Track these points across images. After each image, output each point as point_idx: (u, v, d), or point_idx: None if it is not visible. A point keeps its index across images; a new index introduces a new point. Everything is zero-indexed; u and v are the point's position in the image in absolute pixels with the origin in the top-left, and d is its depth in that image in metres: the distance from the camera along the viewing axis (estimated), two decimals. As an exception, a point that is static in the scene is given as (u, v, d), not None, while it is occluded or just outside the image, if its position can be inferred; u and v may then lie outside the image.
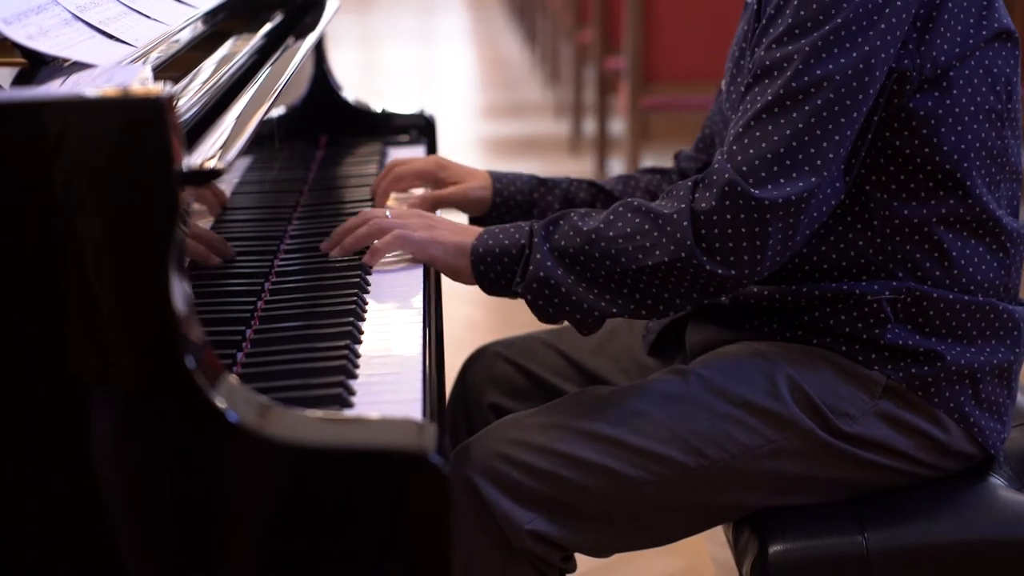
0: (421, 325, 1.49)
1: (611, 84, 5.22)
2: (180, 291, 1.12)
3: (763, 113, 1.49)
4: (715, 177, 1.49)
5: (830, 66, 1.47)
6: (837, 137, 1.48)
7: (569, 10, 6.18)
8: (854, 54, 1.47)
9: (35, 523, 1.15)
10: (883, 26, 1.48)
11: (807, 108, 1.47)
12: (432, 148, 2.31)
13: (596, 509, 1.56)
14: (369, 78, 8.20)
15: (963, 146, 1.55)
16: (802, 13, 1.48)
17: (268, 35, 1.89)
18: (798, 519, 1.57)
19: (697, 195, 1.50)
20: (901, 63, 1.51)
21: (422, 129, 2.35)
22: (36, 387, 1.13)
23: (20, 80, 1.30)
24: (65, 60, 1.35)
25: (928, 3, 1.51)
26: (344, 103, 2.34)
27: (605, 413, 1.57)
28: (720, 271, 1.48)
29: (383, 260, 1.64)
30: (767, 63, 1.51)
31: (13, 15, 1.34)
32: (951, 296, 1.57)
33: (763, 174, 1.47)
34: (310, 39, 1.98)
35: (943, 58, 1.52)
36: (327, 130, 2.31)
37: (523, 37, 9.38)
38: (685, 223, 1.48)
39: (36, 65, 1.34)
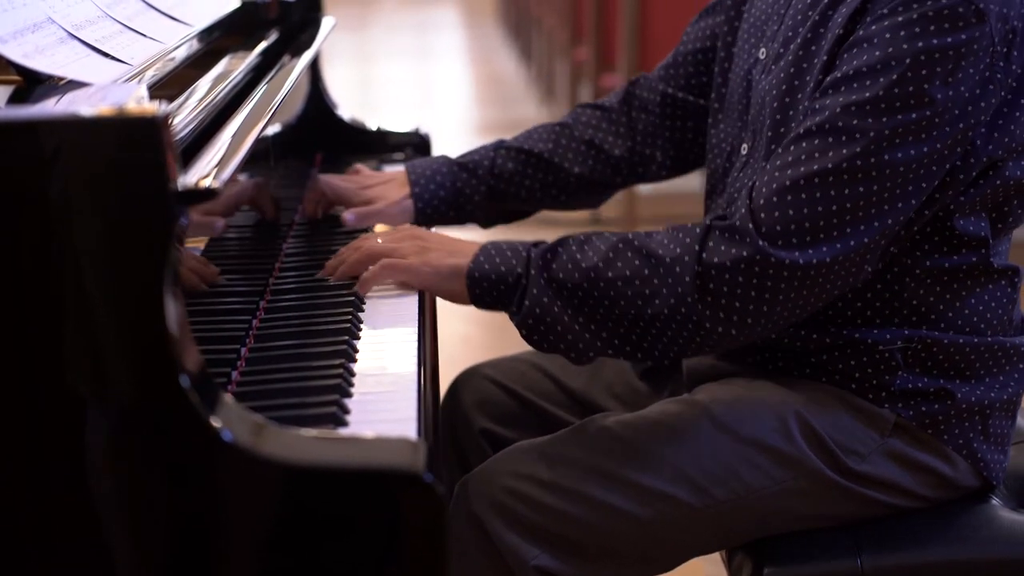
0: (416, 343, 1.49)
1: (607, 102, 5.21)
2: (175, 310, 1.12)
3: (815, 178, 1.42)
4: (737, 236, 1.43)
5: (909, 153, 1.41)
6: (889, 220, 1.43)
7: (565, 28, 6.19)
8: (932, 146, 1.41)
9: (29, 540, 1.15)
10: (957, 131, 1.42)
11: (863, 189, 1.41)
12: (427, 166, 2.30)
13: (601, 545, 1.54)
14: (365, 96, 8.20)
15: (987, 213, 1.52)
16: (895, 91, 1.40)
17: (264, 53, 1.89)
18: (793, 541, 1.57)
19: (711, 245, 1.44)
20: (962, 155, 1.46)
21: (418, 147, 2.35)
22: (31, 405, 1.12)
23: (16, 99, 1.30)
24: (61, 79, 1.35)
25: (1002, 103, 1.45)
26: (340, 121, 2.34)
27: (612, 448, 1.55)
28: (720, 328, 1.45)
29: (379, 288, 1.61)
30: (838, 124, 1.42)
31: (9, 33, 1.34)
32: (961, 339, 1.54)
33: (794, 240, 1.41)
34: (306, 57, 1.98)
35: (1000, 152, 1.48)
36: (323, 148, 2.31)
37: (519, 55, 9.39)
38: (687, 278, 1.44)
39: (32, 84, 1.34)
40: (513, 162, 1.86)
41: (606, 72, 5.13)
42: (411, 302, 1.59)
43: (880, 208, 1.42)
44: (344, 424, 1.29)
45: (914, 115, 1.40)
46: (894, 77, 1.41)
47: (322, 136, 2.31)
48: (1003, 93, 1.45)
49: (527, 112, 7.48)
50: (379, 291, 1.62)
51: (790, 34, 1.56)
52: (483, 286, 1.54)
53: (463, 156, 1.88)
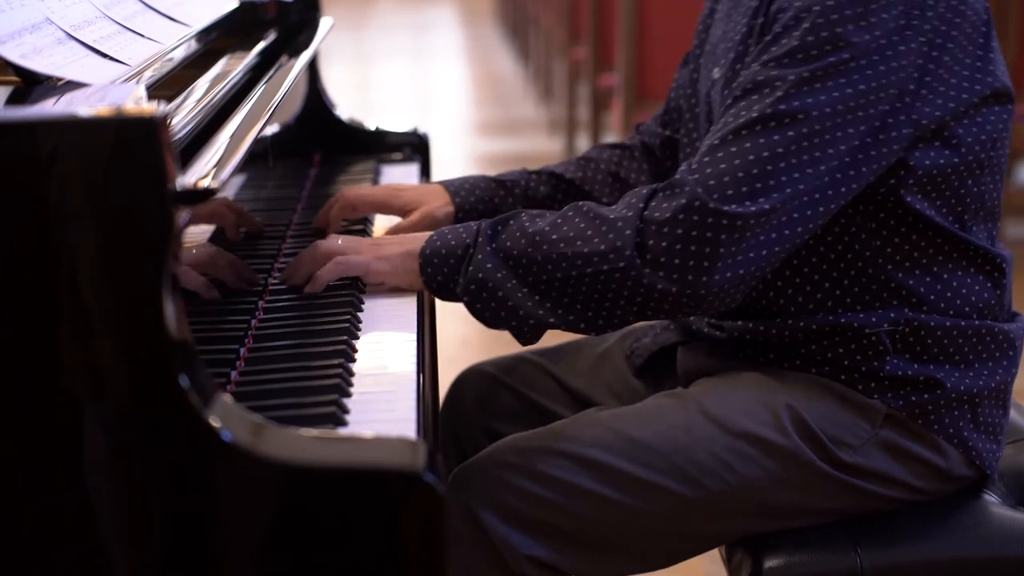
0: (415, 343, 1.49)
1: (605, 101, 5.22)
2: (174, 310, 1.12)
3: (742, 130, 1.46)
4: (677, 189, 1.45)
5: (832, 95, 1.44)
6: (810, 171, 1.44)
7: (562, 27, 6.19)
8: (856, 88, 1.44)
9: (28, 541, 1.15)
10: (880, 75, 1.45)
11: (791, 134, 1.44)
12: (426, 166, 2.31)
13: (594, 536, 1.55)
14: (363, 96, 8.20)
15: (938, 195, 1.54)
16: (809, 39, 1.45)
17: (262, 53, 1.89)
18: (792, 537, 1.57)
19: (653, 203, 1.46)
20: (896, 116, 1.48)
21: (416, 147, 2.35)
22: (30, 405, 1.12)
23: (14, 99, 1.30)
24: (59, 79, 1.35)
25: (925, 59, 1.48)
26: (338, 121, 2.34)
27: (603, 440, 1.55)
28: (660, 285, 1.44)
29: (378, 288, 1.60)
30: (759, 79, 1.48)
31: (7, 34, 1.34)
32: (948, 323, 1.56)
33: (729, 191, 1.43)
34: (304, 57, 1.98)
35: (936, 114, 1.49)
36: (321, 148, 2.31)
37: (516, 54, 9.39)
38: (628, 231, 1.44)
39: (30, 84, 1.34)
40: (545, 186, 1.87)
41: (604, 72, 5.14)
42: (410, 302, 1.59)
43: (811, 154, 1.44)
44: (343, 424, 1.29)
45: (832, 58, 1.44)
46: (807, 26, 1.46)
47: (320, 136, 2.32)
48: (925, 48, 1.47)
49: (525, 112, 7.48)
50: (378, 291, 1.62)
51: (739, 48, 1.60)
52: (434, 263, 1.53)
53: (498, 175, 1.88)
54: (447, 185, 1.85)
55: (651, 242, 1.44)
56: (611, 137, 5.38)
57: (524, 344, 1.53)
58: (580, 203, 1.52)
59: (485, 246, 1.51)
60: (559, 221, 1.50)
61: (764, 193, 1.43)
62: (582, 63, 5.66)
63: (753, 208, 1.42)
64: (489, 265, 1.50)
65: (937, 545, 1.55)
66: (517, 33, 9.42)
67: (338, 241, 1.61)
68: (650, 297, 1.45)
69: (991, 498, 1.61)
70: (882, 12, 1.45)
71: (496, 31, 11.23)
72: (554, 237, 1.48)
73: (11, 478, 1.14)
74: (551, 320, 1.49)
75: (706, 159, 1.46)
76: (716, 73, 1.66)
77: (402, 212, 1.83)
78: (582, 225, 1.48)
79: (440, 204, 1.82)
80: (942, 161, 1.52)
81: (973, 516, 1.58)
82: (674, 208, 1.43)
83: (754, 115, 1.46)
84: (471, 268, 1.50)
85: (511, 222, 1.53)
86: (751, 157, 1.44)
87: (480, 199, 1.84)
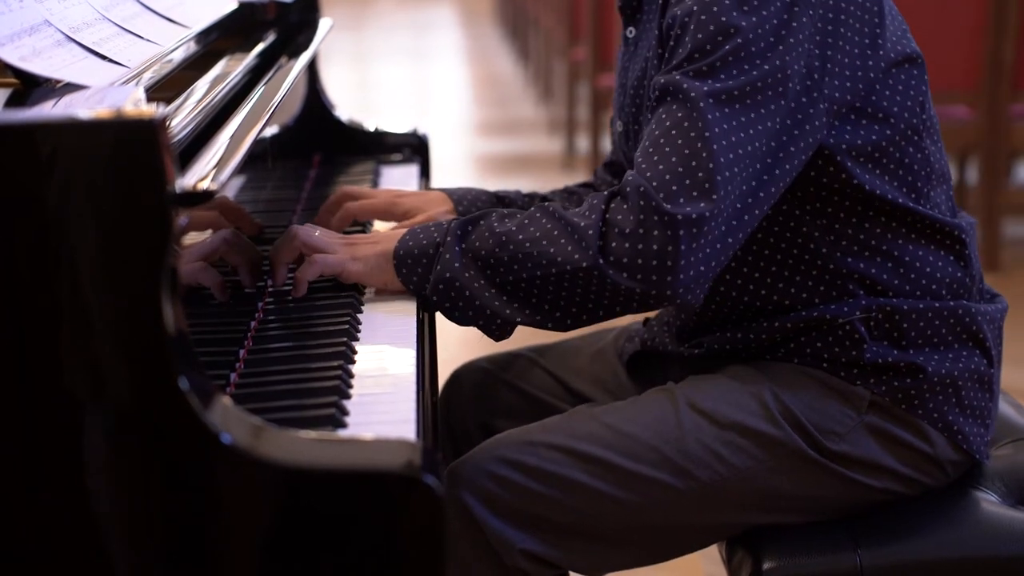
0: (415, 344, 1.49)
1: (604, 101, 5.23)
2: (173, 312, 1.12)
3: (671, 131, 1.46)
4: (628, 189, 1.46)
5: (728, 84, 1.46)
6: (742, 155, 1.45)
7: (562, 28, 6.19)
8: (762, 70, 1.46)
9: (27, 542, 1.15)
10: (780, 54, 1.47)
11: (710, 128, 1.45)
12: (425, 166, 2.31)
13: (587, 530, 1.56)
14: (362, 96, 8.21)
15: (884, 170, 1.56)
16: (700, 36, 1.47)
17: (261, 55, 1.89)
18: (792, 536, 1.57)
19: (614, 205, 1.47)
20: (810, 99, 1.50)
21: (415, 147, 2.35)
22: (29, 407, 1.12)
23: (13, 102, 1.30)
24: (58, 81, 1.35)
25: (821, 34, 1.50)
26: (337, 122, 2.35)
27: (595, 434, 1.56)
28: (624, 285, 1.45)
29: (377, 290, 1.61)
30: (666, 84, 1.48)
31: (5, 36, 1.34)
32: (921, 305, 1.57)
33: (675, 190, 1.43)
34: (303, 58, 1.98)
35: (839, 92, 1.51)
36: (320, 149, 2.31)
37: (516, 55, 9.40)
38: (591, 232, 1.46)
39: (29, 87, 1.34)
40: None
41: (603, 72, 5.14)
42: (410, 304, 1.59)
43: (739, 137, 1.45)
44: (343, 426, 1.29)
45: (727, 46, 1.46)
46: (693, 26, 1.48)
47: (320, 137, 2.32)
48: (819, 23, 1.50)
49: (524, 112, 7.48)
50: (377, 294, 1.62)
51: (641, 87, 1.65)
52: (408, 263, 1.55)
53: (497, 191, 1.89)
54: (450, 193, 1.85)
55: (614, 244, 1.45)
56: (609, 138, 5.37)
57: (496, 339, 1.55)
58: (547, 204, 1.54)
59: (454, 246, 1.52)
60: (526, 222, 1.51)
61: (706, 186, 1.43)
62: (582, 63, 5.66)
63: (703, 204, 1.43)
64: (457, 265, 1.51)
65: (936, 545, 1.55)
66: (517, 33, 9.42)
67: (315, 233, 1.61)
68: (616, 296, 1.47)
69: (990, 497, 1.62)
70: None
71: (496, 31, 11.24)
72: (520, 238, 1.50)
73: (10, 480, 1.14)
74: (518, 319, 1.51)
75: (643, 165, 1.47)
76: (619, 127, 1.72)
77: (403, 219, 1.82)
78: (548, 226, 1.50)
79: (443, 210, 1.82)
80: (874, 136, 1.55)
81: (972, 515, 1.58)
82: (631, 209, 1.45)
83: (677, 116, 1.46)
84: (439, 267, 1.52)
85: (481, 222, 1.54)
86: (686, 152, 1.44)
87: (483, 205, 1.84)
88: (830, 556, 1.55)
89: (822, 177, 1.55)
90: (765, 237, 1.58)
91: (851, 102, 1.53)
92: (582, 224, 1.47)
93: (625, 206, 1.46)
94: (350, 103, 6.22)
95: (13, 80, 1.35)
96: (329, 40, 2.30)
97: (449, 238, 1.53)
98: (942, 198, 1.62)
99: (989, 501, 1.61)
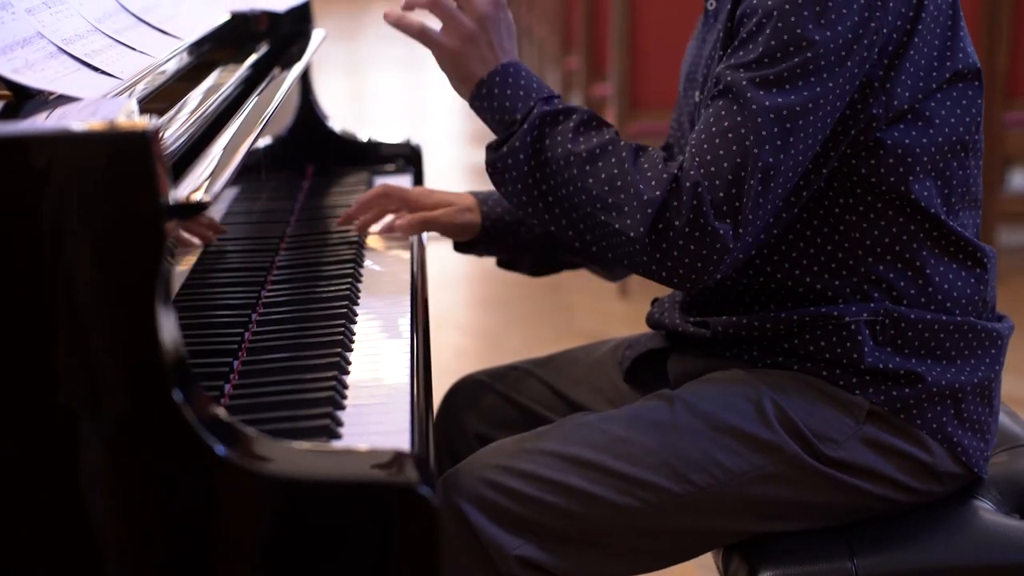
0: (409, 354, 1.49)
1: (598, 110, 5.23)
2: (167, 323, 1.12)
3: (728, 133, 1.47)
4: (688, 184, 1.46)
5: (790, 98, 1.47)
6: (789, 163, 1.48)
7: (555, 37, 6.20)
8: (826, 86, 1.47)
9: (24, 553, 1.15)
10: (846, 70, 1.48)
11: (759, 134, 1.46)
12: (419, 176, 2.31)
13: (583, 535, 1.56)
14: (356, 107, 8.21)
15: (927, 176, 1.56)
16: (773, 43, 1.48)
17: (254, 65, 1.89)
18: (788, 545, 1.57)
19: (673, 189, 1.47)
20: (866, 101, 1.52)
21: (408, 158, 2.35)
22: (23, 420, 1.12)
23: (6, 114, 1.30)
24: (51, 93, 1.35)
25: (895, 43, 1.52)
26: (330, 132, 2.35)
27: (591, 439, 1.57)
28: (654, 267, 1.48)
29: (374, 298, 1.63)
30: (729, 81, 1.49)
31: (-1, 49, 1.34)
32: (929, 316, 1.57)
33: (720, 195, 1.46)
34: (296, 69, 1.98)
35: (907, 94, 1.53)
36: (314, 160, 2.32)
37: (510, 64, 9.38)
38: (650, 210, 1.47)
39: (21, 99, 1.34)
40: None
41: (597, 81, 5.14)
42: (404, 314, 1.59)
43: (786, 151, 1.47)
44: (337, 436, 1.29)
45: (796, 59, 1.47)
46: (768, 31, 1.48)
47: (313, 148, 2.32)
48: (892, 33, 1.51)
49: (518, 121, 7.47)
50: (373, 302, 1.62)
51: (716, 62, 1.63)
52: (483, 105, 1.60)
53: None
54: (475, 194, 1.92)
55: (661, 228, 1.47)
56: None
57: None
58: (621, 142, 1.54)
59: (527, 135, 1.55)
60: (597, 153, 1.53)
61: (748, 205, 1.46)
62: (575, 72, 5.67)
63: (740, 219, 1.46)
64: (521, 156, 1.55)
65: (932, 553, 1.55)
66: (510, 43, 9.41)
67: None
68: (636, 265, 1.50)
69: (986, 505, 1.61)
70: (842, 8, 1.47)
71: (489, 41, 11.21)
72: (587, 168, 1.52)
73: (7, 492, 1.13)
74: (551, 227, 1.56)
75: (697, 160, 1.48)
76: (697, 97, 1.71)
77: (435, 208, 1.90)
78: (616, 172, 1.51)
79: (466, 208, 1.89)
80: (925, 140, 1.55)
81: (968, 523, 1.58)
82: (684, 210, 1.46)
83: (736, 120, 1.47)
84: (504, 148, 1.56)
85: (560, 121, 1.56)
86: (737, 161, 1.46)
87: (507, 211, 1.89)
88: (826, 564, 1.54)
89: (866, 170, 1.55)
90: (796, 221, 1.59)
91: (911, 105, 1.54)
92: (646, 196, 1.48)
93: (683, 198, 1.47)
94: (343, 114, 6.21)
95: (6, 92, 1.35)
96: (322, 51, 2.30)
97: (526, 125, 1.55)
98: (970, 221, 1.63)
99: (985, 509, 1.61)
